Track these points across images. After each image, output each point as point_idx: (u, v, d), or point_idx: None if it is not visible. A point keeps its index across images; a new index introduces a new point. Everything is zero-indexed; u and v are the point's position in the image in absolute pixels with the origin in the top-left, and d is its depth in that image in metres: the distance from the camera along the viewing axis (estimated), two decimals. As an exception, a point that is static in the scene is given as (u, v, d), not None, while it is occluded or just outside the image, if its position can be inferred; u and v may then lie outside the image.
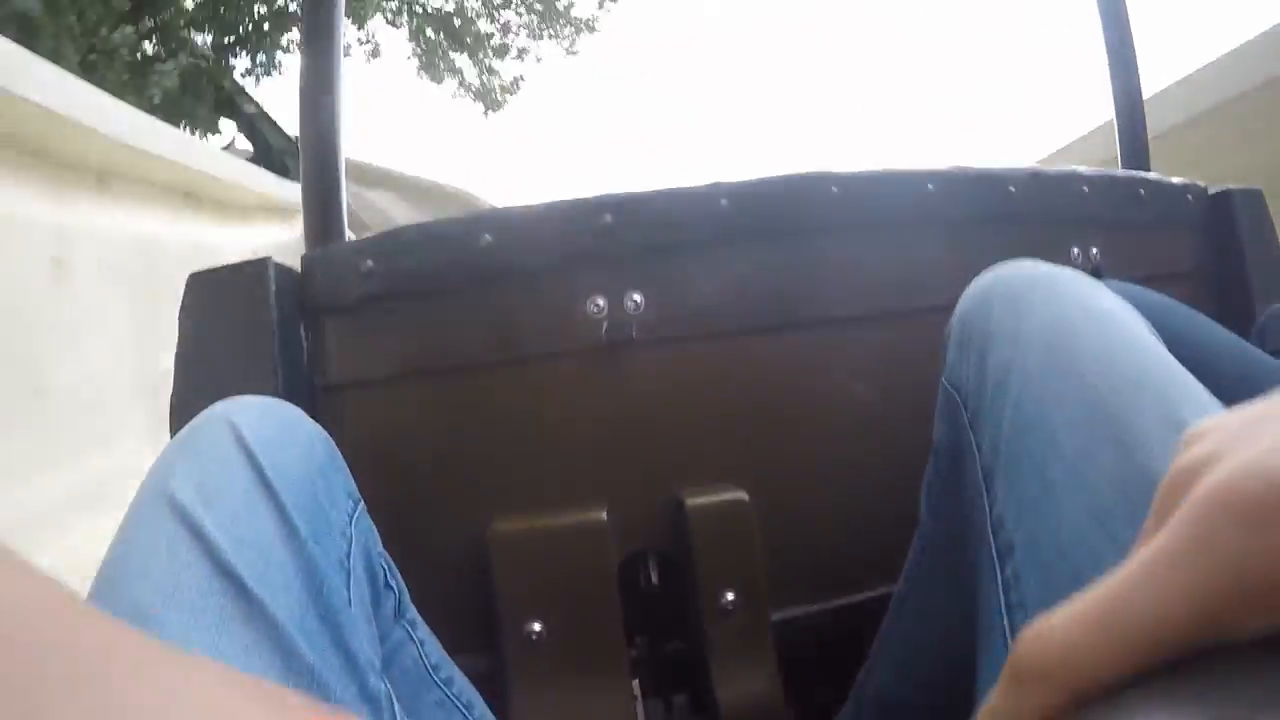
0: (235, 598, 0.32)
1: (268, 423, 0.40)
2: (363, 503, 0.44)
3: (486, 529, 0.58)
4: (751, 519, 0.60)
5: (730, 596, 0.59)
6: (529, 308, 0.62)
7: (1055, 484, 0.34)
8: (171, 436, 0.54)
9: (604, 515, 0.59)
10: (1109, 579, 0.18)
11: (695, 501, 0.60)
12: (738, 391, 0.65)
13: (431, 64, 8.97)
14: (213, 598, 0.32)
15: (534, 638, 0.56)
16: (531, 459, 0.63)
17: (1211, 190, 0.80)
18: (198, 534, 0.33)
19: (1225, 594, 0.15)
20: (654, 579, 0.63)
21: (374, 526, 0.45)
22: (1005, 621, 0.34)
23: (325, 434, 0.44)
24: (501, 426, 0.63)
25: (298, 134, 0.76)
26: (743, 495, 0.60)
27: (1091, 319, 0.38)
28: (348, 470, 0.44)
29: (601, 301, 0.62)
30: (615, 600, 0.58)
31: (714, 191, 0.63)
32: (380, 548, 0.45)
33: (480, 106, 9.26)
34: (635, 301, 0.62)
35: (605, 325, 0.61)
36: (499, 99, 9.19)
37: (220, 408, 0.40)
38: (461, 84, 9.24)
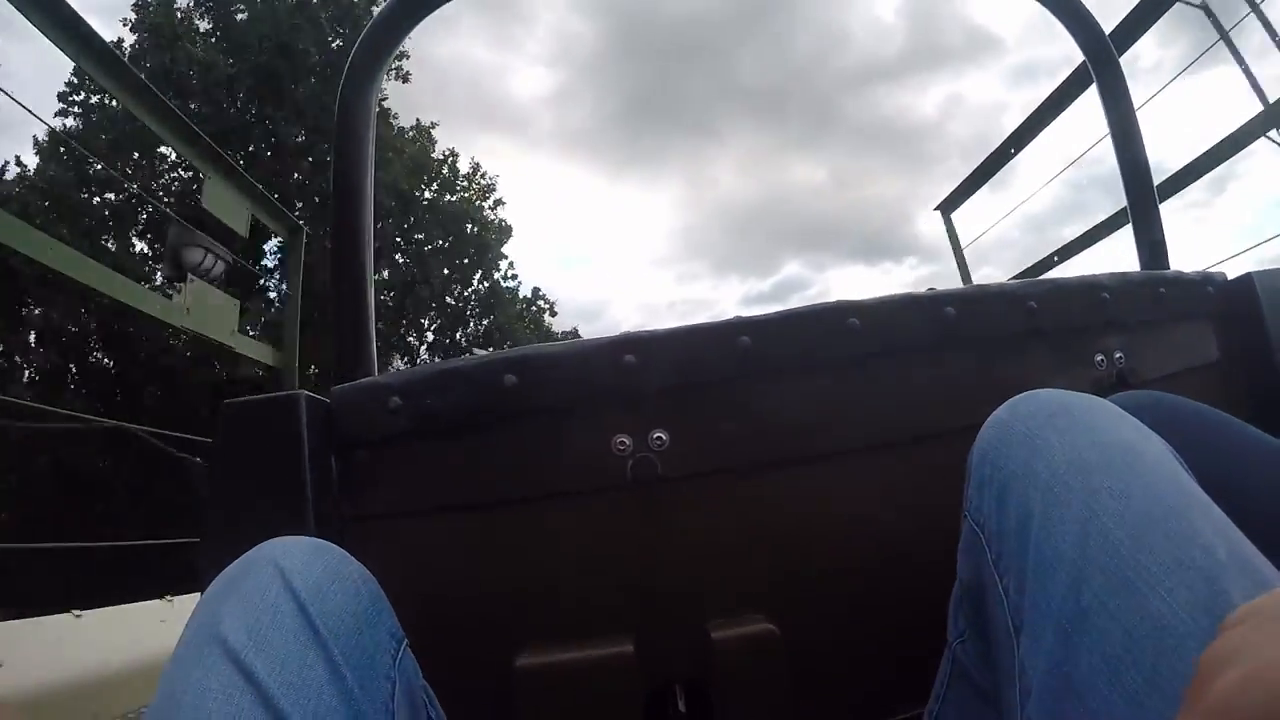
0: None
1: (314, 567, 0.41)
2: (406, 640, 0.44)
3: (513, 661, 0.57)
4: (779, 650, 0.59)
5: None
6: (554, 447, 0.63)
7: (1070, 629, 0.34)
8: (203, 558, 0.55)
9: (631, 648, 0.58)
10: None
11: (722, 634, 0.59)
12: (763, 523, 0.64)
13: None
14: None
15: None
16: (558, 592, 0.62)
17: (1231, 276, 0.80)
18: (250, 678, 0.35)
19: None
20: (682, 708, 0.61)
21: (416, 661, 0.45)
22: None
23: (368, 574, 0.45)
24: (528, 561, 0.63)
25: (330, 274, 0.79)
26: (770, 626, 0.59)
27: (1107, 453, 0.38)
28: (391, 608, 0.45)
29: (626, 440, 0.62)
30: None
31: (733, 328, 0.64)
32: (422, 680, 0.46)
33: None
34: (660, 439, 0.62)
35: (630, 463, 0.62)
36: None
37: (267, 550, 0.42)
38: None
